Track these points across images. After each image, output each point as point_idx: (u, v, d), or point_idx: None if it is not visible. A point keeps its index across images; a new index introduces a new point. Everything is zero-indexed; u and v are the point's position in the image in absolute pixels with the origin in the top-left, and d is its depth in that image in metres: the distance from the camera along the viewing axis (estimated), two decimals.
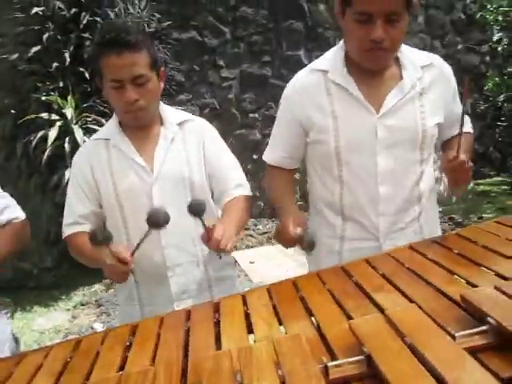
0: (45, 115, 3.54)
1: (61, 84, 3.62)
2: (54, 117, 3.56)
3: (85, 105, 3.65)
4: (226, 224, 1.20)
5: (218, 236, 1.13)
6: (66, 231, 1.39)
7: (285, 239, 1.28)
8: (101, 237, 1.09)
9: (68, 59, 3.54)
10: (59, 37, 3.65)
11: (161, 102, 1.44)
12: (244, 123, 4.76)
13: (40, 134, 3.49)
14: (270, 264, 3.86)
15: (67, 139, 3.51)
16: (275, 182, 1.50)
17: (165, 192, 1.35)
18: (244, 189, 1.43)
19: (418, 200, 1.40)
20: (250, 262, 3.94)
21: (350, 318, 0.91)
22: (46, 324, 3.35)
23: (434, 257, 1.12)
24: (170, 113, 1.44)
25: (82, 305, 3.59)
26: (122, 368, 0.91)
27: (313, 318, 0.94)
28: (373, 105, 1.32)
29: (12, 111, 3.80)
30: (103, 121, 3.68)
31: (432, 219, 1.46)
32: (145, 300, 1.41)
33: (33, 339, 3.13)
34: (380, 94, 1.33)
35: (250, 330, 0.95)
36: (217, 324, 0.99)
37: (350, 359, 0.70)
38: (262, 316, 0.98)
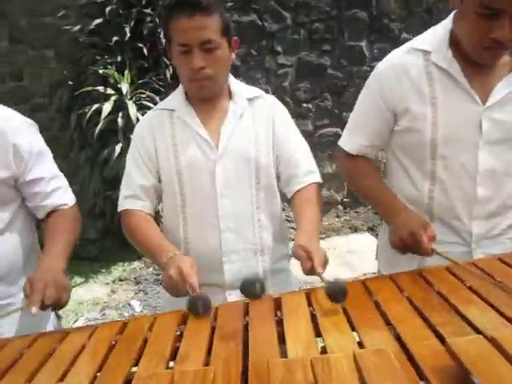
0: (101, 88, 3.53)
1: (119, 58, 3.60)
2: (110, 91, 3.55)
3: (140, 81, 3.62)
4: (313, 243, 1.08)
5: (318, 266, 1.01)
6: (124, 204, 1.31)
7: (414, 250, 1.11)
8: (201, 310, 0.97)
9: (128, 34, 3.50)
10: (121, 11, 3.62)
11: (231, 75, 1.34)
12: (297, 112, 4.61)
13: (95, 106, 3.49)
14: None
15: (120, 114, 3.49)
16: (363, 171, 1.36)
17: (228, 171, 1.26)
18: (316, 175, 1.32)
19: None
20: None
21: (436, 333, 0.78)
22: (85, 295, 3.37)
23: None
24: (241, 87, 1.34)
25: (121, 280, 3.60)
26: (173, 358, 0.82)
27: (391, 329, 0.82)
28: (479, 94, 1.17)
29: (69, 83, 3.82)
30: (157, 98, 3.65)
31: None
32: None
33: (70, 309, 3.15)
34: (488, 83, 1.17)
35: (318, 334, 0.84)
36: (279, 323, 0.89)
37: None
38: (331, 319, 0.87)
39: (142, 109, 3.59)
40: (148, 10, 3.61)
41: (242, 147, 1.27)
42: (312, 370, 0.64)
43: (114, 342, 0.90)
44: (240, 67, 4.41)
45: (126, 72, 3.51)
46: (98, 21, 3.53)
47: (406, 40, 4.88)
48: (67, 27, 3.63)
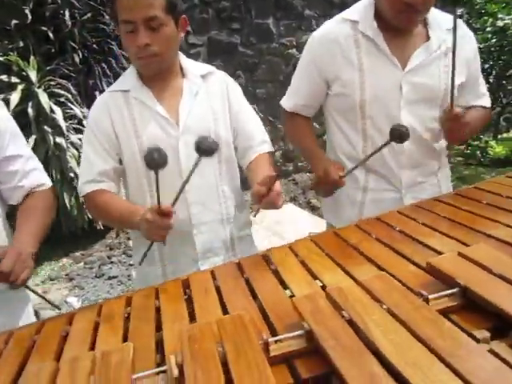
0: (4, 77, 3.26)
1: (21, 44, 3.34)
2: (15, 79, 3.30)
3: (48, 67, 3.40)
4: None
5: (279, 189, 1.09)
6: (85, 189, 1.30)
7: (329, 183, 1.30)
8: (158, 157, 0.99)
9: (30, 17, 3.26)
10: None
11: (181, 53, 1.37)
12: None
13: (0, 97, 3.22)
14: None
15: (30, 104, 3.27)
16: (297, 127, 1.52)
17: (190, 147, 1.29)
18: (268, 145, 1.41)
19: (438, 156, 1.44)
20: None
21: (410, 261, 0.93)
22: None
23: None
24: (192, 65, 1.37)
25: (52, 279, 3.42)
26: (192, 319, 0.87)
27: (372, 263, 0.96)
28: (400, 61, 1.34)
29: None
30: (69, 85, 3.47)
31: (447, 175, 1.52)
32: (167, 260, 1.36)
33: None
34: (407, 51, 1.35)
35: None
36: (275, 272, 0.99)
37: None
38: (320, 263, 0.99)
39: (53, 96, 3.40)
40: None
41: (202, 123, 1.31)
42: (329, 298, 0.74)
43: (126, 315, 0.92)
44: None
45: (32, 58, 3.28)
46: None
47: (310, 17, 5.15)
48: None
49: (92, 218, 1.37)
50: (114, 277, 3.36)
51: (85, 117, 3.56)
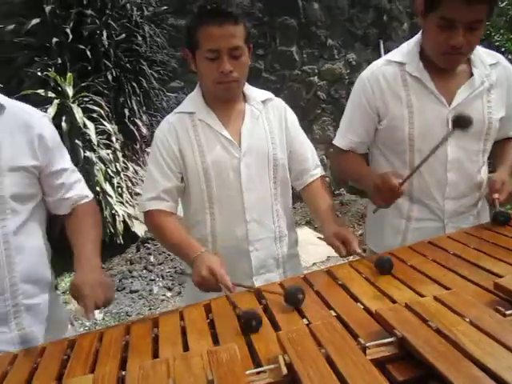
0: (41, 91, 3.38)
1: (59, 60, 3.48)
2: (51, 94, 3.41)
3: (83, 84, 3.53)
4: (344, 229, 1.28)
5: (357, 247, 1.22)
6: (148, 205, 1.37)
7: (388, 189, 1.30)
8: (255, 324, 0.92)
9: (70, 35, 3.40)
10: (58, 11, 3.50)
11: None
12: None
13: None
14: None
15: (64, 117, 3.38)
16: (350, 161, 1.57)
17: (251, 167, 1.38)
18: (321, 169, 1.51)
19: (479, 187, 1.52)
20: None
21: (470, 281, 1.00)
22: None
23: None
24: (253, 90, 1.47)
25: None
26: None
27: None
28: (445, 98, 1.43)
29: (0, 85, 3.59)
30: (102, 102, 3.59)
31: (486, 207, 1.60)
32: None
33: None
34: (452, 88, 1.44)
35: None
36: (344, 287, 1.05)
37: None
38: (386, 282, 1.06)
39: (87, 112, 3.51)
40: (89, 11, 3.53)
41: (261, 146, 1.40)
42: (412, 310, 0.81)
43: (208, 321, 0.98)
44: (178, 69, 4.47)
45: (70, 74, 3.40)
46: (35, 21, 3.37)
47: (332, 46, 5.33)
48: (0, 26, 3.42)
49: (153, 235, 1.42)
50: (135, 291, 3.40)
51: (115, 133, 3.67)
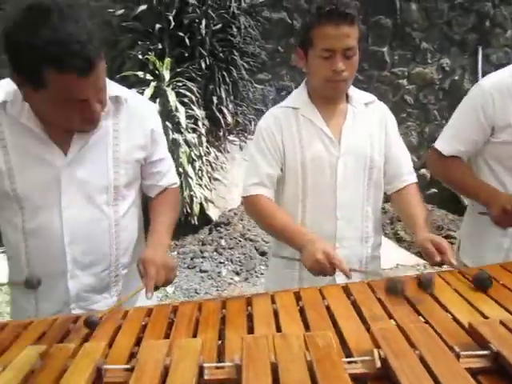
0: (140, 74, 3.61)
1: (159, 46, 3.69)
2: (148, 77, 3.64)
3: (178, 69, 3.72)
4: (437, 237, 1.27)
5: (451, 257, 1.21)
6: (250, 190, 1.43)
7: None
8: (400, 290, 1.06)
9: (172, 22, 3.59)
10: None
11: None
12: None
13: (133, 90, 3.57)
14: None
15: (158, 100, 3.59)
16: (460, 169, 1.55)
17: (348, 166, 1.41)
18: (415, 176, 1.51)
19: None
20: None
21: None
22: None
23: None
24: (356, 91, 1.50)
25: None
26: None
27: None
28: None
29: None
30: (194, 88, 3.76)
31: None
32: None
33: None
34: None
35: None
36: (433, 296, 1.07)
37: None
38: (478, 298, 1.06)
39: (179, 96, 3.70)
40: (191, 0, 3.70)
41: (360, 146, 1.43)
42: (506, 327, 0.82)
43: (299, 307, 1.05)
44: (267, 62, 4.55)
45: (168, 59, 3.60)
46: (142, 7, 3.59)
47: (426, 49, 5.15)
48: (111, 10, 3.68)
49: (254, 219, 1.50)
50: (205, 271, 3.57)
51: (202, 118, 3.84)
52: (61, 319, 1.04)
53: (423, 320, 0.96)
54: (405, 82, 4.74)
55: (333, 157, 1.41)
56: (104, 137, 1.21)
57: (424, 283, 1.10)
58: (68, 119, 1.09)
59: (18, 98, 1.11)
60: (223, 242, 3.89)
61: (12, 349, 0.92)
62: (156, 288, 1.13)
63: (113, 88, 1.20)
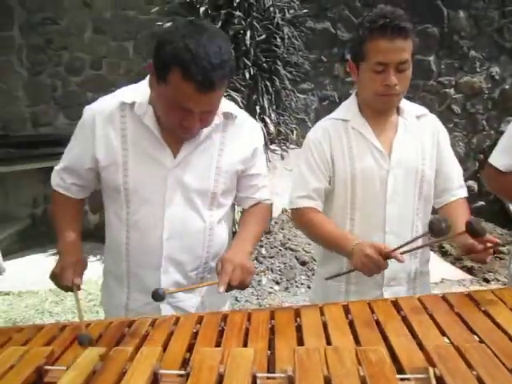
0: None
1: None
2: None
3: None
4: None
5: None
6: (298, 203, 1.45)
7: None
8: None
9: None
10: (210, 11, 3.79)
11: None
12: None
13: None
14: None
15: None
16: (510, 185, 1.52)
17: (398, 180, 1.39)
18: (465, 190, 1.47)
19: None
20: None
21: None
22: None
23: None
24: (407, 104, 1.48)
25: None
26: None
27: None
28: None
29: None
30: (237, 98, 3.81)
31: None
32: (354, 280, 1.45)
33: None
34: None
35: None
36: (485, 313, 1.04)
37: None
38: None
39: None
40: (237, 12, 3.77)
41: (411, 159, 1.41)
42: None
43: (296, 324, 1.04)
44: (310, 72, 4.56)
45: None
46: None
47: (474, 58, 5.02)
48: (159, 23, 3.81)
49: (302, 231, 1.51)
50: None
51: None
52: (116, 322, 1.09)
53: (477, 339, 0.94)
54: (452, 91, 4.62)
55: (383, 170, 1.40)
56: (211, 147, 1.28)
57: (474, 227, 1.09)
58: (170, 119, 1.17)
59: (145, 100, 1.22)
60: (264, 251, 3.90)
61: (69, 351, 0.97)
62: (230, 288, 1.16)
63: (225, 104, 1.27)
